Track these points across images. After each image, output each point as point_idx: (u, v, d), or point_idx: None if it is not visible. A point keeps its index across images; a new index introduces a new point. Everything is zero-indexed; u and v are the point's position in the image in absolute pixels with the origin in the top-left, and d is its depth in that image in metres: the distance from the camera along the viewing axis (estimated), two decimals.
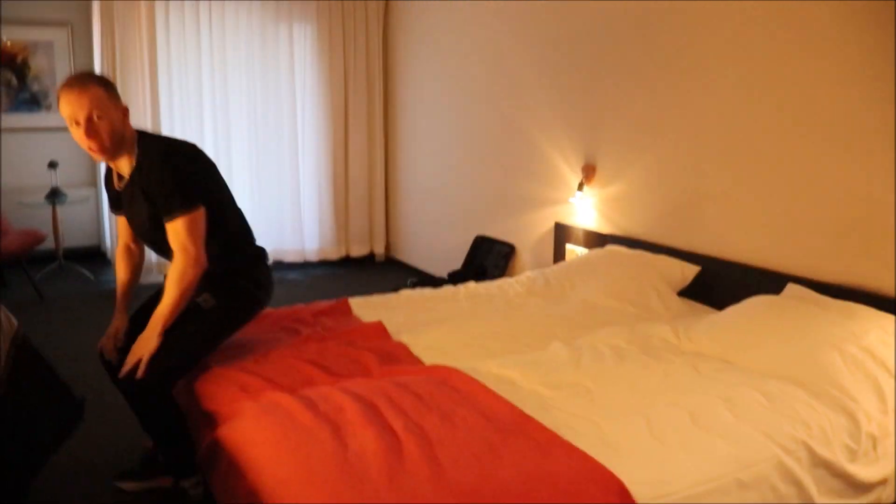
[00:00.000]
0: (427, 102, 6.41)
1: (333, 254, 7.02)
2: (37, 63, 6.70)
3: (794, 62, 3.23)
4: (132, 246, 2.97)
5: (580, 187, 4.44)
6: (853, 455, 2.28)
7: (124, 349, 2.70)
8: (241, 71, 6.42)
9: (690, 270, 3.66)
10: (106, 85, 2.55)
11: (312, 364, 2.70)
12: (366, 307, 3.52)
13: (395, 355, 2.84)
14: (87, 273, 6.23)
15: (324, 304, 3.54)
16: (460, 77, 5.84)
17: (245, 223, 2.92)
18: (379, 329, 3.13)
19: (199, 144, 6.22)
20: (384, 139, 7.11)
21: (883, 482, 2.34)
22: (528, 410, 2.21)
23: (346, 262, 7.11)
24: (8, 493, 2.42)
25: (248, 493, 1.98)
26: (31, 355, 2.61)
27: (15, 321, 2.59)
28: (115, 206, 2.87)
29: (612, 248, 4.06)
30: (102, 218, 6.75)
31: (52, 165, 6.18)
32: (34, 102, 6.75)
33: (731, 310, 3.05)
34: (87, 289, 5.94)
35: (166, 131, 6.09)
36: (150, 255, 5.98)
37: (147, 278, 5.97)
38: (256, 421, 2.18)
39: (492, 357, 2.79)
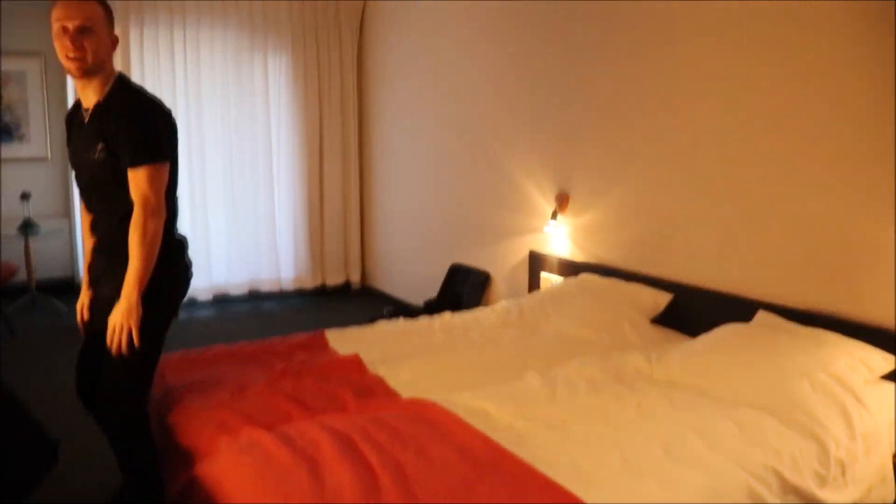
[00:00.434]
0: (402, 131, 6.46)
1: (309, 283, 7.02)
2: (9, 93, 6.67)
3: (761, 92, 3.31)
4: None
5: (554, 216, 4.49)
6: (823, 481, 2.32)
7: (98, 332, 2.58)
8: (216, 100, 6.44)
9: (663, 298, 3.71)
10: (106, 7, 2.47)
11: (289, 399, 2.71)
12: (342, 340, 3.53)
13: (372, 389, 2.85)
14: (60, 305, 6.17)
15: (300, 336, 3.55)
16: (434, 106, 5.90)
17: (176, 209, 2.66)
18: (355, 362, 3.14)
19: None
20: (359, 168, 7.15)
21: None
22: (504, 443, 2.23)
23: (323, 291, 7.11)
24: None
25: None
26: (3, 395, 2.59)
27: None
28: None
29: (585, 276, 4.11)
30: (76, 249, 6.69)
31: (25, 197, 6.13)
32: (6, 133, 6.71)
33: (703, 338, 3.10)
34: (60, 323, 5.88)
35: None
36: None
37: None
38: (234, 458, 2.18)
39: (467, 389, 2.80)
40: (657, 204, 3.89)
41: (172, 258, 2.60)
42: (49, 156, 6.88)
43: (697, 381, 2.78)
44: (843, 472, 2.39)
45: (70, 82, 6.13)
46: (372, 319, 4.32)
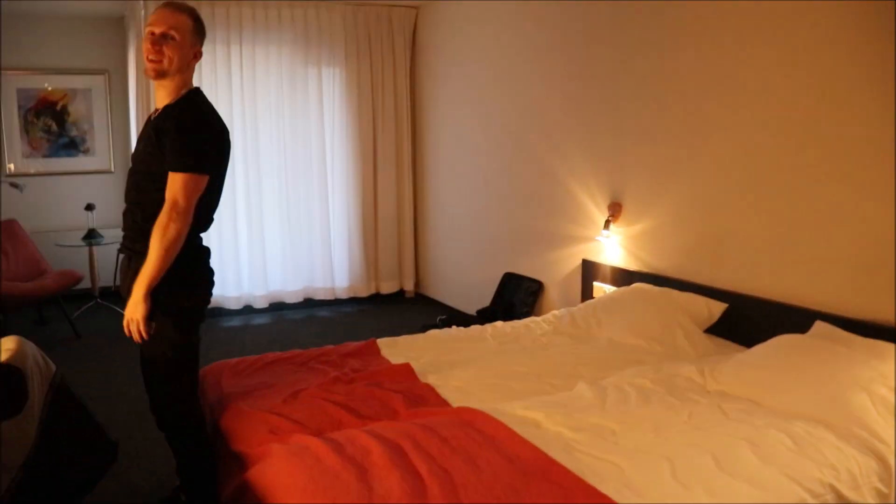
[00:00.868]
0: (455, 140, 6.50)
1: (363, 291, 7.09)
2: (75, 109, 6.93)
3: (823, 96, 3.25)
4: None
5: (606, 225, 4.46)
6: (884, 498, 2.25)
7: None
8: (272, 112, 6.56)
9: (717, 308, 3.66)
10: (196, 21, 2.63)
11: (340, 406, 2.74)
12: (393, 348, 3.56)
13: (423, 397, 2.87)
14: (121, 311, 6.33)
15: (352, 345, 3.59)
16: (487, 115, 5.92)
17: (207, 220, 2.74)
18: (406, 370, 3.16)
19: (230, 186, 6.36)
20: (412, 177, 7.20)
21: None
22: (552, 453, 2.22)
23: (376, 298, 7.17)
24: None
25: None
26: (68, 398, 2.68)
27: (53, 365, 2.66)
28: None
29: (638, 285, 4.07)
30: None
31: (90, 208, 6.36)
32: (73, 147, 6.96)
33: (758, 349, 3.04)
34: (121, 326, 6.02)
35: None
36: None
37: None
38: (284, 463, 2.22)
39: (518, 398, 2.81)
40: (712, 212, 3.83)
41: (194, 263, 2.67)
42: (113, 168, 7.10)
43: (751, 393, 2.73)
44: None
45: (132, 97, 6.33)
46: (424, 327, 4.35)
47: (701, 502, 2.01)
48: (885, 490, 2.26)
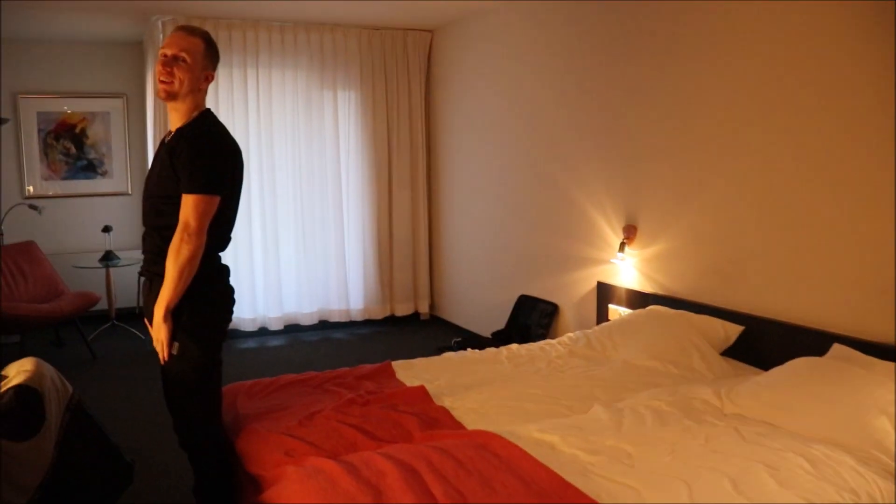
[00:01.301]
0: (469, 162, 6.52)
1: (378, 313, 7.09)
2: (94, 132, 7.02)
3: (835, 124, 3.24)
4: None
5: (622, 248, 4.46)
6: None
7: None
8: (287, 135, 6.61)
9: (734, 330, 3.64)
10: (209, 44, 2.68)
11: (355, 428, 2.74)
12: (408, 370, 3.56)
13: (438, 420, 2.87)
14: (137, 333, 6.39)
15: (367, 367, 3.59)
16: (502, 137, 5.95)
17: (224, 241, 2.77)
18: (421, 393, 3.16)
19: (246, 207, 6.40)
20: (427, 199, 7.23)
21: None
22: (568, 476, 2.21)
23: (391, 320, 7.17)
24: None
25: None
26: (85, 419, 2.70)
27: (70, 387, 2.68)
28: None
29: (654, 308, 4.06)
30: None
31: (107, 230, 6.42)
32: (91, 169, 7.04)
33: (775, 371, 3.02)
34: (137, 348, 6.09)
35: None
36: None
37: None
38: (299, 486, 2.22)
39: (533, 420, 2.80)
40: (727, 233, 3.82)
41: (214, 282, 2.70)
42: (130, 190, 7.18)
43: (768, 415, 2.71)
44: None
45: (150, 120, 6.41)
46: (440, 350, 4.35)
47: None
48: None
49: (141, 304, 2.86)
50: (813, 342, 3.23)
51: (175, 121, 2.68)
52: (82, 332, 5.91)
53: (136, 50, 7.02)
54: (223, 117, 6.30)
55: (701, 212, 3.98)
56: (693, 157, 4.01)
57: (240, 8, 5.87)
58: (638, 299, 4.38)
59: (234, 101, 6.39)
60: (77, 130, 6.96)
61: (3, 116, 6.38)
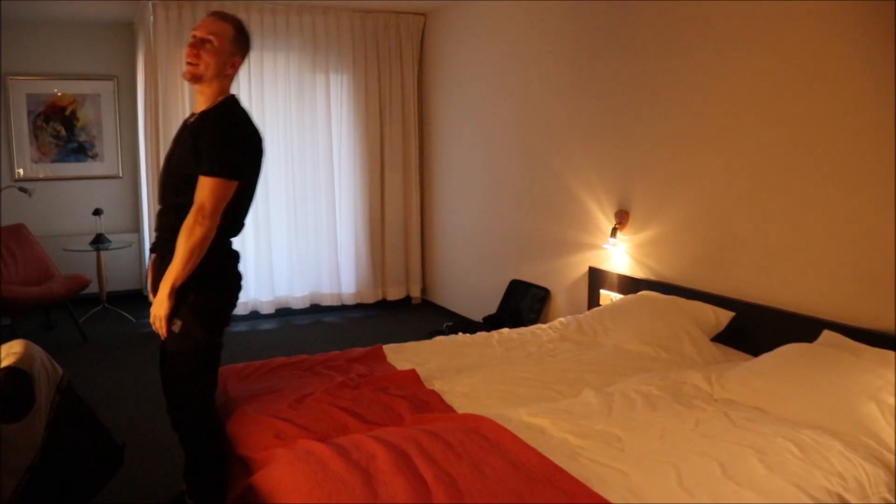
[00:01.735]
0: (462, 147, 6.50)
1: (370, 297, 7.09)
2: (84, 114, 6.96)
3: (827, 110, 3.24)
4: None
5: (613, 233, 4.46)
6: None
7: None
8: (279, 118, 6.58)
9: (724, 316, 3.65)
10: (239, 31, 2.71)
11: (346, 411, 2.74)
12: (399, 354, 3.56)
13: (428, 403, 2.87)
14: (128, 316, 6.38)
15: (358, 350, 3.59)
16: (494, 122, 5.93)
17: (238, 226, 2.79)
18: (412, 377, 3.16)
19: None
20: (420, 183, 7.21)
21: None
22: (557, 460, 2.22)
23: (383, 304, 7.17)
24: None
25: None
26: (75, 401, 2.69)
27: (60, 369, 2.67)
28: None
29: (645, 293, 4.06)
30: (144, 262, 6.91)
31: (97, 213, 6.39)
32: (81, 152, 6.99)
33: (765, 357, 3.03)
34: (128, 331, 6.07)
35: None
36: None
37: None
38: (289, 468, 2.22)
39: (523, 404, 2.80)
40: (719, 220, 3.83)
41: (223, 266, 2.73)
42: (121, 173, 7.13)
43: (758, 401, 2.72)
44: None
45: (141, 102, 6.37)
46: (431, 334, 4.35)
47: None
48: (892, 500, 2.24)
49: (148, 280, 2.86)
50: (803, 328, 3.24)
51: (200, 103, 2.71)
52: (73, 314, 5.89)
53: (126, 32, 6.96)
54: None
55: (693, 197, 3.98)
56: (686, 143, 4.00)
57: None
58: (629, 285, 4.39)
59: None
60: (67, 112, 6.91)
61: None
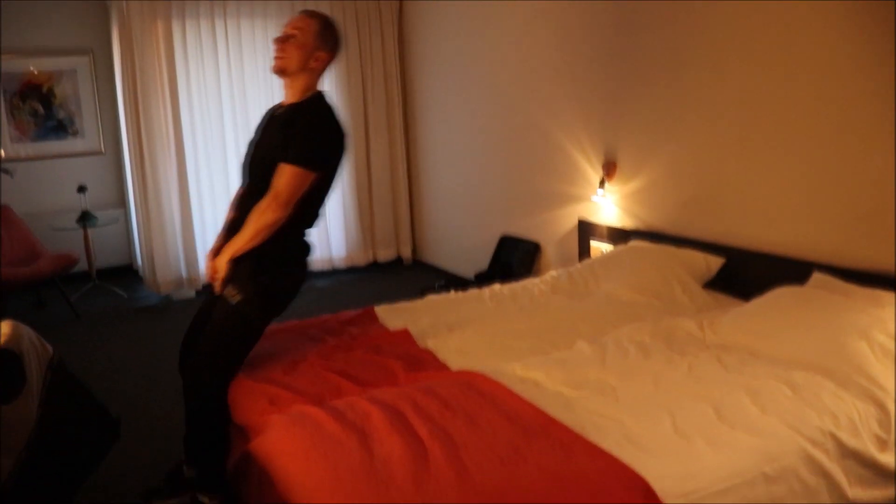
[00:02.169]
0: (446, 103, 6.44)
1: (361, 259, 7.07)
2: (62, 90, 6.84)
3: (810, 52, 3.21)
4: None
5: (601, 184, 4.44)
6: (884, 444, 2.26)
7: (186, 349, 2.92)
8: (260, 84, 6.47)
9: (715, 262, 3.65)
10: (326, 28, 2.82)
11: (340, 374, 2.74)
12: (391, 314, 3.55)
13: (422, 361, 2.87)
14: (119, 291, 6.35)
15: (350, 313, 3.58)
16: (478, 76, 5.87)
17: (314, 217, 2.92)
18: (405, 336, 3.16)
19: (222, 159, 6.31)
20: (405, 142, 7.15)
21: None
22: (552, 411, 2.23)
23: (374, 266, 7.15)
24: None
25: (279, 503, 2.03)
26: (67, 378, 2.68)
27: (50, 347, 2.65)
28: None
29: (635, 243, 4.06)
30: (133, 237, 6.86)
31: (82, 189, 6.32)
32: (61, 129, 6.88)
33: (757, 301, 3.04)
34: (120, 306, 6.05)
35: (189, 149, 6.20)
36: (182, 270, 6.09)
37: (179, 293, 6.09)
38: (286, 432, 2.22)
39: (517, 358, 2.81)
40: (706, 165, 3.81)
41: (298, 259, 2.87)
42: (103, 149, 7.03)
43: (750, 343, 2.73)
44: None
45: (119, 76, 6.29)
46: (423, 293, 4.35)
47: (701, 452, 2.01)
48: (884, 436, 2.27)
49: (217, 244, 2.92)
50: (794, 271, 3.23)
51: (288, 96, 2.83)
52: (64, 292, 5.86)
53: (99, 6, 6.81)
54: (193, 73, 6.22)
55: (680, 145, 3.96)
56: (671, 91, 3.96)
57: None
58: (619, 236, 4.38)
59: (204, 54, 6.23)
60: (44, 90, 6.78)
61: None
